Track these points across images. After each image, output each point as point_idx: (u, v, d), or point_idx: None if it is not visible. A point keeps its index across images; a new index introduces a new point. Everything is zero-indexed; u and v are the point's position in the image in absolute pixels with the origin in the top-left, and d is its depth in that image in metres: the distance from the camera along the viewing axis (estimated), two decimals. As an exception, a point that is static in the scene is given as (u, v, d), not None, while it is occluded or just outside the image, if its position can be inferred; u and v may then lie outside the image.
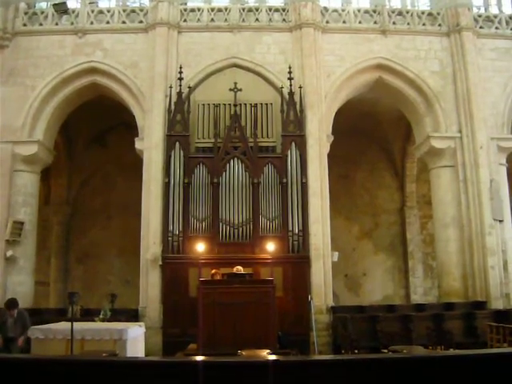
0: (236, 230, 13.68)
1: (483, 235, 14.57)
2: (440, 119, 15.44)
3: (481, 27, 16.25)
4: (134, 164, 15.48)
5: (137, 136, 15.03)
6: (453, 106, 15.49)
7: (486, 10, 17.09)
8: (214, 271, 12.90)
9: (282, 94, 14.54)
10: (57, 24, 15.80)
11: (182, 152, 14.09)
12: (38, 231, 15.83)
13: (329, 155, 14.89)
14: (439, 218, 15.66)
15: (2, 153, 14.74)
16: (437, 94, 15.49)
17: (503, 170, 15.63)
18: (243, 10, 15.75)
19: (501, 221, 14.94)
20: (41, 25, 15.80)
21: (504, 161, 15.71)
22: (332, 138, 15.00)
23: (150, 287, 13.69)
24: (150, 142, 14.51)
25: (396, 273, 20.77)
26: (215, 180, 13.91)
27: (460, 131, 15.35)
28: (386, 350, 10.82)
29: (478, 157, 15.01)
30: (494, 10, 17.07)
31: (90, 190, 20.47)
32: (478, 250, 14.60)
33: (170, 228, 13.64)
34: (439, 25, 16.07)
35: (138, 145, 14.93)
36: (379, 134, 20.01)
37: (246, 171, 14.07)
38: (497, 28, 16.35)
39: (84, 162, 20.04)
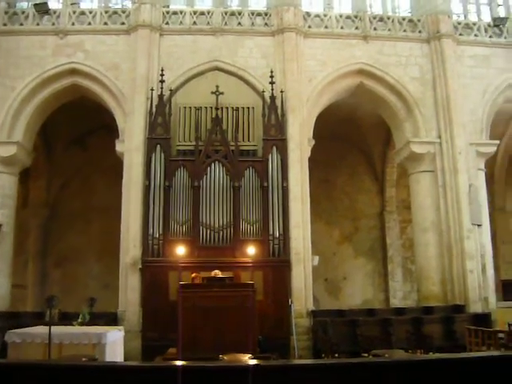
0: (216, 234, 13.64)
1: (462, 240, 14.71)
2: (420, 125, 15.60)
3: (460, 34, 16.47)
4: (115, 167, 15.36)
5: (117, 138, 14.91)
6: (432, 111, 15.66)
7: (465, 17, 17.33)
8: (194, 275, 12.86)
9: (263, 97, 14.56)
10: (38, 24, 15.64)
11: (162, 155, 14.03)
12: (15, 234, 15.65)
13: (310, 159, 14.95)
14: (418, 222, 15.79)
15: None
16: (417, 100, 15.65)
17: (482, 175, 15.84)
18: (226, 13, 15.76)
19: (479, 225, 15.13)
20: (21, 25, 15.63)
21: (482, 166, 15.92)
22: (313, 142, 15.06)
23: (130, 291, 13.58)
24: (131, 145, 14.43)
25: (376, 277, 20.91)
26: (196, 183, 13.87)
27: (439, 137, 15.52)
28: (366, 354, 10.88)
29: (456, 162, 15.18)
30: (473, 18, 17.30)
31: (70, 192, 20.24)
32: (456, 255, 14.73)
33: (150, 231, 13.55)
34: (420, 31, 16.26)
35: (118, 147, 14.82)
36: (360, 139, 20.15)
37: (226, 175, 14.04)
38: (476, 35, 16.60)
39: (64, 164, 19.84)
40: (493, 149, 16.07)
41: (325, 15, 16.08)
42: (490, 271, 15.30)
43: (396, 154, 16.85)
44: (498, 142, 16.41)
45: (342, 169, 20.98)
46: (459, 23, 16.71)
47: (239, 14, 15.80)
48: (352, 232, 21.16)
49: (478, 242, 15.03)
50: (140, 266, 13.60)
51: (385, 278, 20.77)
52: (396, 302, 20.23)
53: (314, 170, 15.27)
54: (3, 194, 14.97)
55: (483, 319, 13.45)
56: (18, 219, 16.29)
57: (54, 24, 15.56)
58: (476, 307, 14.28)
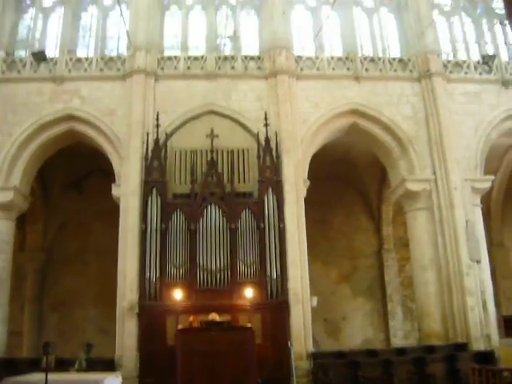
0: (214, 276, 13.54)
1: (461, 276, 14.60)
2: (414, 162, 15.69)
3: (450, 72, 16.72)
4: (111, 210, 15.35)
5: (114, 182, 14.97)
6: (426, 149, 15.78)
7: (454, 55, 17.60)
8: (191, 318, 12.80)
9: (258, 139, 14.66)
10: (35, 72, 15.87)
11: (159, 198, 14.05)
12: (11, 278, 15.51)
13: (306, 200, 14.97)
14: (417, 259, 15.73)
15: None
16: (410, 138, 15.78)
17: (478, 211, 15.82)
18: (219, 58, 16.04)
19: (478, 261, 15.05)
20: (19, 72, 15.88)
21: (478, 201, 15.93)
22: (308, 183, 15.13)
23: (127, 335, 13.41)
24: (127, 189, 14.47)
25: (375, 316, 20.71)
26: (192, 226, 13.84)
27: (434, 173, 15.58)
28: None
29: (452, 198, 15.20)
30: (462, 56, 17.57)
31: (66, 236, 20.21)
32: (456, 291, 14.59)
33: (147, 275, 13.46)
34: (410, 71, 16.52)
35: (114, 191, 14.87)
36: (355, 178, 20.27)
37: (223, 216, 14.03)
38: (466, 73, 16.85)
39: (60, 207, 19.88)
40: (488, 184, 16.11)
41: (316, 58, 16.37)
42: (492, 308, 15.14)
43: (392, 192, 16.91)
44: (492, 177, 16.44)
45: (339, 208, 21.02)
46: (449, 61, 16.98)
47: (232, 58, 16.09)
48: (350, 271, 21.06)
49: (478, 278, 14.93)
50: (137, 311, 13.45)
51: (384, 318, 20.56)
52: (397, 341, 19.98)
53: (310, 210, 15.26)
54: (0, 239, 14.94)
55: (486, 357, 13.25)
56: (15, 264, 16.22)
57: (50, 71, 15.79)
58: (478, 345, 14.08)
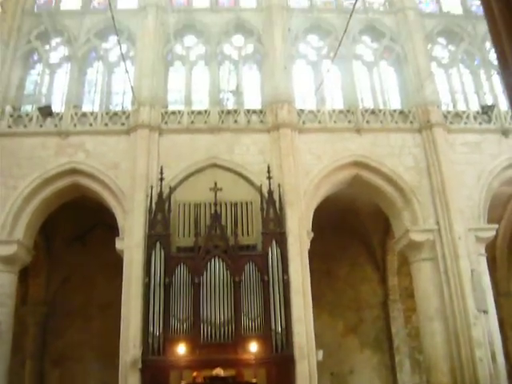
0: (218, 330, 13.37)
1: (469, 327, 14.35)
2: (417, 213, 15.66)
3: (450, 123, 16.89)
4: (115, 263, 15.28)
5: (118, 235, 14.97)
6: (429, 199, 15.77)
7: (454, 106, 17.81)
8: (195, 374, 12.61)
9: (261, 192, 14.76)
10: (41, 126, 16.09)
11: (162, 252, 14.02)
12: (12, 332, 15.33)
13: (310, 251, 14.92)
14: (423, 310, 15.54)
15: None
16: (413, 189, 15.81)
17: (483, 260, 15.69)
18: (222, 112, 16.31)
19: (485, 312, 14.85)
20: (25, 127, 16.11)
21: (483, 251, 15.81)
22: (312, 235, 15.11)
23: (130, 392, 13.18)
24: (131, 242, 14.45)
25: (383, 369, 20.30)
26: (196, 279, 13.77)
27: (438, 223, 15.51)
28: None
29: (457, 248, 15.08)
30: (461, 107, 17.79)
31: (69, 289, 20.06)
32: (464, 342, 14.31)
33: (151, 329, 13.30)
34: (411, 122, 16.71)
35: (118, 245, 14.84)
36: (359, 229, 20.24)
37: (227, 270, 13.97)
38: (466, 123, 17.00)
39: (64, 260, 19.80)
40: (492, 233, 16.02)
41: (318, 111, 16.63)
42: (501, 359, 14.80)
43: (396, 242, 16.85)
44: (496, 226, 16.40)
45: (343, 259, 20.91)
46: (449, 112, 17.17)
47: (235, 112, 16.36)
48: (356, 323, 20.77)
49: (486, 328, 14.67)
50: (140, 366, 13.23)
51: (392, 370, 20.13)
52: (405, 394, 19.58)
53: (314, 261, 15.20)
54: (2, 292, 14.84)
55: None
56: (16, 317, 16.09)
57: (56, 126, 16.03)
58: (489, 397, 13.79)
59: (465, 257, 15.04)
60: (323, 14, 18.58)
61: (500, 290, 20.64)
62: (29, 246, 15.79)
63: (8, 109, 16.39)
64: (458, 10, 19.54)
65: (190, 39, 18.07)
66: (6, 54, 16.85)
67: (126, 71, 15.52)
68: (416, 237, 15.53)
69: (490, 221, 16.17)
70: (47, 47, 17.75)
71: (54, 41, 17.82)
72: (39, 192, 15.52)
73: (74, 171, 15.63)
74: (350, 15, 13.67)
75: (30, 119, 16.22)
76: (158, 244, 14.10)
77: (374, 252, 21.12)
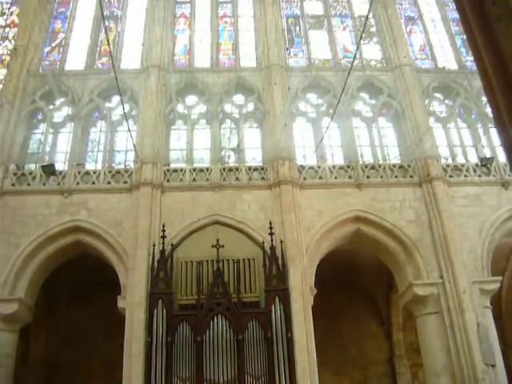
0: (221, 391, 13.18)
1: (477, 381, 14.02)
2: (420, 266, 15.59)
3: (450, 176, 17.01)
4: (117, 322, 15.13)
5: (119, 293, 14.89)
6: (432, 252, 15.73)
7: (453, 159, 17.95)
8: None
9: (263, 249, 14.77)
10: (44, 184, 16.24)
11: (164, 310, 13.91)
12: (12, 394, 15.07)
13: (314, 307, 14.79)
14: (429, 366, 15.27)
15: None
16: (415, 242, 15.79)
17: (489, 313, 15.52)
18: (224, 169, 16.52)
19: (493, 365, 14.59)
20: (28, 185, 16.23)
21: (488, 303, 15.66)
22: (315, 291, 15.04)
23: None
24: (133, 300, 14.35)
25: (392, 431, 19.79)
26: (199, 338, 13.62)
27: (441, 277, 15.40)
28: None
29: (462, 301, 14.93)
30: (460, 160, 17.96)
31: (71, 348, 19.67)
32: (473, 398, 14.09)
33: (153, 389, 13.11)
34: (411, 176, 16.85)
35: (120, 303, 14.73)
36: (362, 284, 20.11)
37: (230, 327, 13.84)
38: (465, 176, 17.10)
39: (65, 318, 19.54)
40: (496, 285, 15.90)
41: (318, 167, 16.82)
42: (512, 413, 14.57)
43: (400, 297, 16.71)
44: (500, 278, 16.35)
45: (347, 315, 20.64)
46: (448, 166, 17.30)
47: (237, 169, 16.57)
48: (362, 381, 20.30)
49: (494, 382, 14.41)
50: (141, 429, 12.98)
51: (401, 432, 19.63)
52: None
53: (318, 318, 15.03)
54: (2, 352, 14.63)
55: None
56: (16, 378, 15.79)
57: (59, 184, 16.17)
58: None
59: (470, 310, 14.88)
60: (321, 72, 19.04)
61: (507, 341, 20.30)
62: (30, 305, 15.67)
63: (12, 167, 16.58)
64: (453, 65, 20.02)
65: (191, 98, 18.47)
66: (11, 113, 17.15)
67: (129, 130, 15.77)
68: (420, 291, 15.39)
69: (494, 273, 16.07)
70: (51, 107, 18.11)
71: (58, 101, 18.19)
72: (41, 250, 15.52)
73: (76, 229, 15.67)
74: (348, 73, 14.06)
75: (34, 177, 16.37)
76: (160, 302, 14.00)
77: (378, 307, 20.88)
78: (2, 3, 21.37)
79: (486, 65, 3.19)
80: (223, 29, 20.56)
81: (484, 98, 18.30)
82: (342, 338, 20.39)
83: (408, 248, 15.81)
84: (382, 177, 16.76)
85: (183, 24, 20.64)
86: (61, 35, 20.23)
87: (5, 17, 21.18)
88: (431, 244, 15.82)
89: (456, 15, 19.33)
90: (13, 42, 20.01)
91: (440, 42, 20.76)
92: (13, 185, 16.23)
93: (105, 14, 19.27)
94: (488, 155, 17.78)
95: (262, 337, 13.80)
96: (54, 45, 20.03)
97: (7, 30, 20.86)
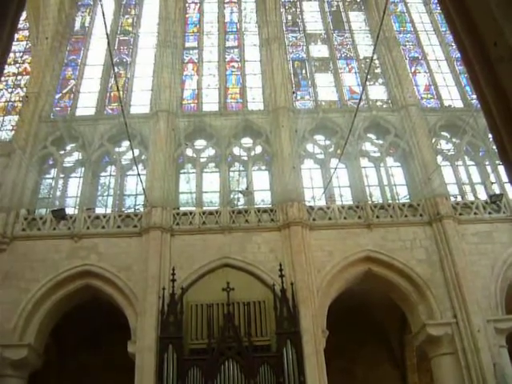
0: None
1: (494, 423, 13.80)
2: (433, 306, 15.42)
3: (460, 214, 16.96)
4: (127, 366, 14.93)
5: (129, 337, 14.77)
6: (444, 291, 15.57)
7: (462, 197, 17.93)
8: None
9: (274, 291, 14.71)
10: (54, 229, 16.35)
11: (175, 354, 13.81)
12: None
13: (326, 350, 14.61)
14: (446, 409, 14.94)
15: (-13, 358, 14.23)
16: (427, 282, 15.65)
17: (505, 353, 15.19)
18: (233, 212, 16.62)
19: (510, 407, 14.26)
20: (39, 229, 16.35)
21: (504, 342, 15.35)
22: (327, 333, 14.87)
23: None
24: (143, 345, 14.24)
25: None
26: (210, 383, 13.48)
27: (455, 316, 15.21)
28: None
29: (476, 341, 14.69)
30: (470, 197, 17.91)
31: (80, 393, 19.45)
32: None
33: None
34: (420, 215, 16.82)
35: (130, 348, 14.64)
36: (375, 324, 19.78)
37: (241, 372, 13.70)
38: (475, 213, 17.06)
39: (74, 363, 19.33)
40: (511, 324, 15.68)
41: (328, 207, 16.89)
42: None
43: (413, 337, 16.48)
44: (515, 316, 16.07)
45: (361, 357, 20.18)
46: (457, 203, 17.29)
47: (246, 212, 16.67)
48: (378, 428, 19.79)
49: (511, 424, 14.06)
50: None
51: None
52: None
53: (331, 360, 14.87)
54: (11, 399, 14.50)
55: None
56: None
57: (69, 228, 16.27)
58: None
59: (485, 350, 14.62)
60: (328, 114, 19.33)
61: (525, 382, 19.80)
62: (39, 350, 15.58)
63: (23, 212, 16.72)
64: (458, 103, 20.23)
65: (200, 142, 18.74)
66: (23, 159, 17.37)
67: (139, 174, 15.97)
68: (434, 331, 15.19)
69: (509, 311, 15.84)
70: (62, 152, 18.38)
71: (69, 146, 18.48)
72: (51, 295, 15.52)
73: (86, 273, 15.70)
74: (355, 114, 14.20)
75: (44, 222, 16.49)
76: (170, 347, 13.91)
77: (392, 348, 20.46)
78: (14, 52, 21.88)
79: (490, 104, 3.24)
80: (231, 73, 21.02)
81: (491, 135, 18.34)
82: (356, 381, 19.90)
83: (420, 287, 15.66)
84: (391, 216, 16.76)
85: (191, 69, 21.13)
86: (71, 82, 20.74)
87: (17, 65, 21.67)
88: (443, 283, 15.67)
89: (459, 55, 19.62)
90: (25, 89, 20.47)
91: (445, 81, 21.02)
92: (23, 230, 16.35)
93: (114, 60, 19.69)
94: (497, 192, 17.73)
95: (274, 381, 13.63)
96: (64, 91, 20.50)
97: (19, 77, 21.33)
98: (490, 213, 17.12)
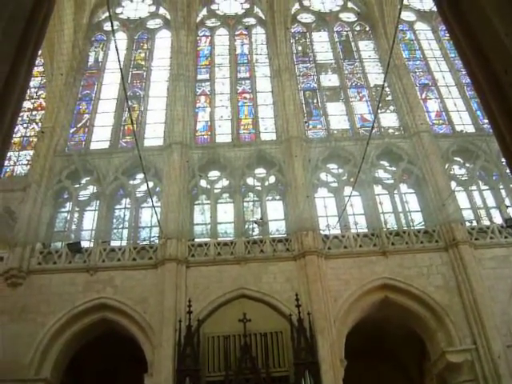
0: None
1: None
2: (452, 333, 15.23)
3: (476, 239, 16.85)
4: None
5: (146, 370, 14.68)
6: (463, 317, 15.39)
7: (477, 222, 17.81)
8: None
9: (291, 321, 14.59)
10: (70, 262, 16.43)
11: (192, 388, 13.69)
12: None
13: (345, 380, 14.39)
14: None
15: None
16: (445, 308, 15.50)
17: (527, 378, 14.97)
18: (248, 242, 16.65)
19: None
20: (54, 263, 16.44)
21: (525, 368, 15.13)
22: (345, 363, 14.68)
23: None
24: (160, 378, 14.14)
25: None
26: (228, 416, 13.32)
27: (475, 343, 14.99)
28: None
29: (497, 367, 14.43)
30: (485, 222, 17.81)
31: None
32: None
33: None
34: (436, 241, 16.74)
35: (147, 381, 14.52)
36: (394, 352, 19.45)
37: (259, 404, 13.53)
38: (491, 238, 16.95)
39: (91, 398, 19.21)
40: (533, 346, 15.41)
41: (343, 236, 16.88)
42: None
43: (433, 365, 16.21)
44: (537, 339, 15.77)
45: (380, 386, 19.96)
46: (473, 228, 17.19)
47: (261, 242, 16.69)
48: None
49: None
50: None
51: None
52: None
53: (350, 390, 14.62)
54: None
55: None
56: None
57: (85, 261, 16.35)
58: None
59: (507, 376, 14.34)
60: (341, 142, 19.48)
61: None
62: (56, 384, 15.48)
63: (38, 246, 16.82)
64: (470, 128, 20.26)
65: (213, 173, 18.86)
66: (38, 193, 17.56)
67: (153, 206, 16.08)
68: (453, 358, 14.98)
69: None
70: (77, 186, 18.55)
71: (84, 179, 18.67)
72: (67, 328, 15.50)
73: (102, 306, 15.70)
74: (367, 142, 14.28)
75: (60, 256, 16.59)
76: (187, 379, 13.81)
77: (411, 377, 20.07)
78: (30, 87, 22.30)
79: (502, 129, 3.28)
80: (243, 104, 21.30)
81: (504, 160, 18.26)
82: (376, 412, 19.56)
83: (438, 314, 15.51)
84: (407, 243, 16.68)
85: (204, 101, 21.43)
86: (86, 116, 21.08)
87: (32, 100, 22.05)
88: (461, 309, 15.51)
89: (470, 81, 19.71)
90: (40, 124, 20.81)
91: (456, 106, 21.12)
92: (39, 263, 16.43)
93: (128, 94, 19.97)
94: (512, 215, 17.63)
95: (294, 413, 13.43)
96: (79, 125, 20.83)
97: (34, 112, 21.70)
98: (506, 237, 16.99)
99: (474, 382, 14.76)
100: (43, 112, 21.23)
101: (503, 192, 18.57)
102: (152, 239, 17.41)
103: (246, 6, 25.16)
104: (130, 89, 21.52)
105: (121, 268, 16.22)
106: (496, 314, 15.37)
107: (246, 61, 23.13)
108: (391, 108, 21.06)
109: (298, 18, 24.73)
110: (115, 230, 17.96)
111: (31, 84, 22.06)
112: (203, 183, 18.49)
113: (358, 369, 16.62)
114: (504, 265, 16.37)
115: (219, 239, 17.04)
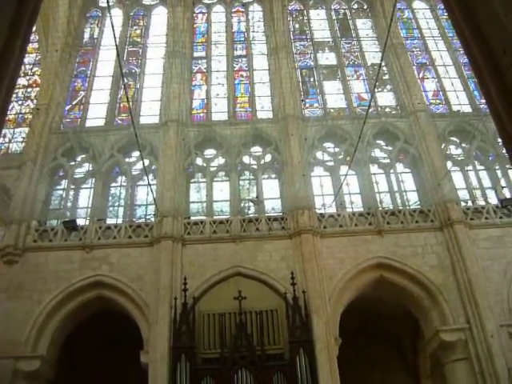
0: None
1: (508, 429, 13.66)
2: (446, 312, 15.35)
3: (471, 219, 16.90)
4: (140, 377, 14.93)
5: (142, 347, 14.78)
6: (457, 297, 15.50)
7: (473, 202, 17.85)
8: None
9: (286, 299, 14.67)
10: (66, 240, 16.43)
11: (188, 364, 13.79)
12: None
13: (340, 357, 14.53)
14: (460, 416, 14.80)
15: (1, 368, 14.22)
16: (439, 287, 15.60)
17: (520, 358, 15.12)
18: (244, 221, 16.64)
19: (525, 412, 14.10)
20: (50, 241, 16.42)
21: (518, 348, 15.28)
22: (340, 341, 14.80)
23: None
24: (156, 355, 14.24)
25: None
26: (223, 393, 13.44)
27: (468, 322, 15.13)
28: None
29: (490, 346, 14.59)
30: (480, 202, 17.84)
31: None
32: None
33: None
34: (431, 221, 16.79)
35: (143, 358, 14.63)
36: (388, 331, 19.66)
37: (254, 381, 13.67)
38: (486, 218, 17.00)
39: (87, 374, 19.32)
40: (525, 328, 15.56)
41: (338, 215, 16.89)
42: None
43: (426, 344, 16.39)
44: (529, 320, 15.92)
45: (374, 364, 19.92)
46: (468, 209, 17.24)
47: (257, 220, 16.69)
48: None
49: (526, 431, 13.91)
50: None
51: None
52: None
53: (345, 368, 14.65)
54: (24, 411, 14.47)
55: None
56: None
57: (80, 239, 16.35)
58: None
59: (500, 355, 14.50)
60: (337, 121, 19.43)
61: (541, 388, 19.57)
62: (52, 362, 15.59)
63: (34, 223, 16.80)
64: (467, 108, 20.20)
65: (209, 151, 18.83)
66: (33, 171, 17.48)
67: (149, 184, 16.03)
68: (447, 337, 15.11)
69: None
70: (72, 163, 18.50)
71: (79, 157, 18.63)
72: (63, 305, 15.56)
73: (98, 284, 15.74)
74: (364, 121, 14.20)
75: (55, 233, 16.57)
76: (183, 356, 13.89)
77: (406, 355, 20.29)
78: (24, 64, 22.06)
79: (499, 109, 3.27)
80: (239, 82, 21.13)
81: (500, 140, 18.23)
82: (370, 388, 19.79)
83: (432, 293, 15.62)
84: (402, 222, 16.72)
85: (200, 79, 21.25)
86: (81, 93, 20.90)
87: (27, 77, 21.83)
88: (456, 288, 15.61)
89: (468, 61, 19.59)
90: (35, 101, 20.62)
91: (453, 86, 21.01)
92: (35, 241, 16.42)
93: (123, 71, 19.79)
94: (508, 196, 17.64)
95: (288, 390, 13.55)
96: (74, 103, 20.67)
97: (29, 89, 21.50)
98: (501, 217, 17.04)
99: (467, 360, 14.91)
100: (38, 89, 21.02)
101: (499, 172, 18.58)
102: (148, 217, 17.42)
103: (243, -18, 24.83)
104: (125, 66, 21.33)
105: (117, 246, 16.23)
106: (490, 293, 15.48)
107: (242, 38, 22.91)
108: (388, 87, 20.94)
109: (296, -5, 24.45)
110: (111, 208, 17.96)
111: (26, 60, 21.83)
112: (199, 161, 18.45)
113: (353, 347, 16.80)
114: (498, 245, 16.44)
115: (215, 217, 17.05)
